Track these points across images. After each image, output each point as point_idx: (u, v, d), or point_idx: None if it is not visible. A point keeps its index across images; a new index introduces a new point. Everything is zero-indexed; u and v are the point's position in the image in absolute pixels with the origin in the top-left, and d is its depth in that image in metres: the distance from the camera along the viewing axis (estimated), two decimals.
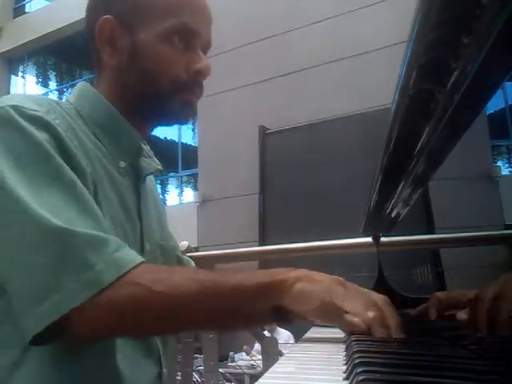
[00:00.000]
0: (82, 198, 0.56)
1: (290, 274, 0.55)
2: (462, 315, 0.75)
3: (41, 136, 0.56)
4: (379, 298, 0.56)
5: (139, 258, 0.54)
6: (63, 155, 0.57)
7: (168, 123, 0.77)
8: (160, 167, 0.77)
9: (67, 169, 0.56)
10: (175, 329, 0.59)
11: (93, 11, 0.70)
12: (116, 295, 0.51)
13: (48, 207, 0.52)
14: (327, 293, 0.54)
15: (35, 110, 0.58)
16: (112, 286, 0.51)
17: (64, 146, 0.58)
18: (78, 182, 0.56)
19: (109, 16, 0.67)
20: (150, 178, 0.81)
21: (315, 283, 0.54)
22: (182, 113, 0.72)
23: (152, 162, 0.76)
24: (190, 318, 0.56)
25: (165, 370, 0.73)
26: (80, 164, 0.59)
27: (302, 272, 0.56)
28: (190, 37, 0.68)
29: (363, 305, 0.54)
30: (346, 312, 0.53)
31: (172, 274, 0.55)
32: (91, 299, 0.50)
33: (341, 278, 0.57)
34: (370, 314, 0.53)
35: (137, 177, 0.73)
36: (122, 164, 0.69)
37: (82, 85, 0.74)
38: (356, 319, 0.52)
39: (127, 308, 0.53)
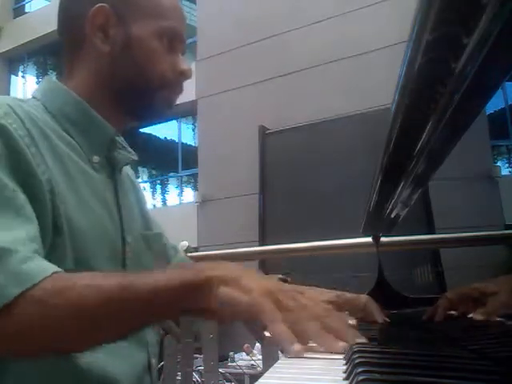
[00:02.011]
0: (5, 205, 0.52)
1: (215, 272, 0.50)
2: (478, 316, 0.71)
3: None
4: (319, 309, 0.50)
5: (49, 269, 0.49)
6: (11, 162, 0.55)
7: (146, 117, 0.78)
8: (135, 157, 0.78)
9: (2, 178, 0.53)
10: (88, 344, 0.51)
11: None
12: (17, 313, 0.46)
13: None
14: (253, 309, 0.48)
15: None
16: (17, 302, 0.46)
17: (15, 153, 0.56)
18: (12, 190, 0.53)
19: (105, 5, 0.69)
20: (128, 168, 0.82)
21: (244, 291, 0.48)
22: (162, 108, 0.75)
23: (127, 153, 0.77)
24: (101, 330, 0.50)
25: (154, 360, 0.72)
26: (32, 170, 0.57)
27: (229, 272, 0.50)
28: (176, 40, 0.73)
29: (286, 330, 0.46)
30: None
31: (77, 283, 0.49)
32: None
33: (275, 285, 0.51)
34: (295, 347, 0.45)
35: (112, 169, 0.73)
36: (96, 159, 0.69)
37: (47, 80, 0.74)
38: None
39: (28, 328, 0.47)
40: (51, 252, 0.58)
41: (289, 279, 0.83)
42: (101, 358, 0.59)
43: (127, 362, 0.65)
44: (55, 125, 0.66)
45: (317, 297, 0.56)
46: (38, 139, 0.60)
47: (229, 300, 0.48)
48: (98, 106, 0.70)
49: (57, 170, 0.61)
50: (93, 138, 0.70)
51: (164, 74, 0.71)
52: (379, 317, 0.75)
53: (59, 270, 0.50)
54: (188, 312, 0.53)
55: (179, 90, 0.75)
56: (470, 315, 0.73)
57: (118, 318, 0.50)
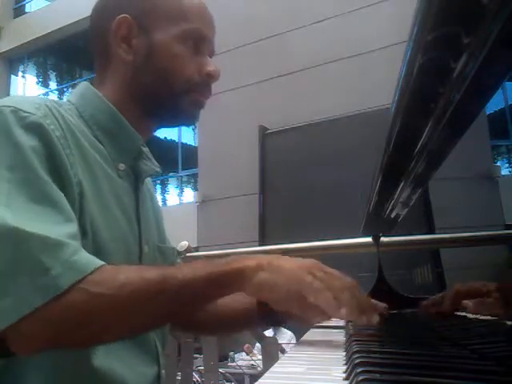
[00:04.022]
0: (51, 203, 0.54)
1: (249, 262, 0.54)
2: (468, 306, 0.73)
3: (29, 142, 0.55)
4: (350, 283, 0.55)
5: (98, 262, 0.52)
6: (50, 163, 0.56)
7: (176, 123, 0.80)
8: (159, 169, 0.78)
9: (45, 177, 0.55)
10: (132, 331, 0.57)
11: (108, 9, 0.72)
12: (72, 301, 0.48)
13: (10, 209, 0.51)
14: (294, 283, 0.52)
15: (32, 114, 0.58)
16: (69, 291, 0.48)
17: (53, 154, 0.57)
18: (55, 189, 0.55)
19: (127, 15, 0.70)
20: (148, 180, 0.82)
21: (279, 272, 0.53)
22: (192, 113, 0.74)
23: (151, 165, 0.77)
24: (144, 318, 0.54)
25: (163, 372, 0.73)
26: (67, 172, 0.58)
27: (263, 259, 0.54)
28: (201, 42, 0.72)
29: (332, 298, 0.52)
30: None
31: (119, 274, 0.52)
32: (45, 305, 0.47)
33: (310, 262, 0.55)
34: (343, 311, 0.51)
35: (136, 179, 0.73)
36: (122, 166, 0.70)
37: (83, 85, 0.75)
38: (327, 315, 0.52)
39: (78, 315, 0.50)
40: None
41: None
42: (116, 368, 0.60)
43: (140, 373, 0.66)
44: (86, 129, 0.67)
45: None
46: (71, 142, 0.61)
47: (267, 283, 0.52)
48: (127, 114, 0.71)
49: (85, 173, 0.62)
50: (121, 146, 0.70)
51: (190, 78, 0.71)
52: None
53: (104, 263, 0.53)
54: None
55: (208, 92, 0.74)
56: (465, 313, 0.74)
57: (156, 306, 0.53)
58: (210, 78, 0.73)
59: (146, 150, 0.77)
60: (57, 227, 0.52)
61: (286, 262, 0.54)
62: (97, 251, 0.60)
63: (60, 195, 0.55)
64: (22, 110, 0.57)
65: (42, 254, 0.49)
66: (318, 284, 0.52)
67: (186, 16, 0.71)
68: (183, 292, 0.53)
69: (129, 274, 0.52)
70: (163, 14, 0.70)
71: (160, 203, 0.96)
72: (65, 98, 0.74)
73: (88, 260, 0.51)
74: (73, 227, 0.55)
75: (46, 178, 0.55)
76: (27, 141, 0.55)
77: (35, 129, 0.57)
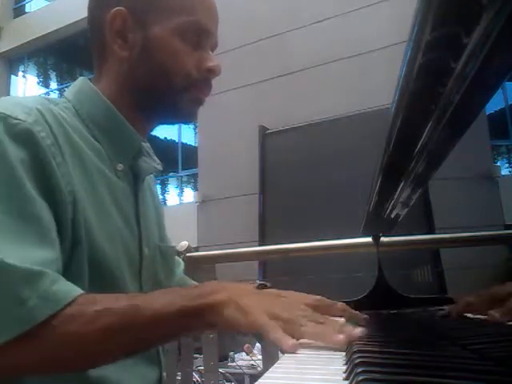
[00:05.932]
0: (35, 223, 0.52)
1: (219, 296, 0.52)
2: (493, 315, 0.69)
3: (17, 154, 0.53)
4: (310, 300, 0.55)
5: (75, 291, 0.51)
6: (39, 175, 0.54)
7: (174, 120, 0.76)
8: (160, 167, 0.76)
9: (31, 193, 0.53)
10: (96, 363, 0.55)
11: (103, 2, 0.69)
12: (44, 336, 0.47)
13: None
14: (254, 326, 0.50)
15: (22, 121, 0.55)
16: (44, 324, 0.47)
17: (42, 165, 0.55)
18: (40, 208, 0.53)
19: (121, 8, 0.66)
20: (150, 176, 0.80)
21: (242, 312, 0.50)
22: (190, 110, 0.71)
23: (152, 162, 0.75)
24: (113, 351, 0.53)
25: (164, 374, 0.72)
26: (58, 183, 0.56)
27: (232, 291, 0.52)
28: (202, 35, 0.68)
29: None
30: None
31: (90, 308, 0.50)
32: (21, 338, 0.46)
33: (271, 295, 0.56)
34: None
35: (135, 178, 0.71)
36: (120, 167, 0.68)
37: (80, 80, 0.72)
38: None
39: (52, 351, 0.49)
40: (69, 263, 0.57)
41: (268, 285, 0.81)
42: (114, 374, 0.59)
43: (141, 378, 0.65)
44: (83, 129, 0.65)
45: (301, 299, 0.57)
46: (63, 146, 0.59)
47: (231, 321, 0.51)
48: (124, 112, 0.68)
49: (80, 177, 0.60)
50: (120, 146, 0.68)
51: (189, 73, 0.68)
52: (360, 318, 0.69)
53: (82, 292, 0.51)
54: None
55: (207, 88, 0.71)
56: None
57: (123, 341, 0.52)
58: (211, 73, 0.70)
59: (146, 145, 0.75)
60: (37, 252, 0.50)
61: (250, 301, 0.52)
62: (94, 258, 0.59)
63: (45, 214, 0.53)
64: (11, 117, 0.55)
65: (19, 285, 0.47)
66: (274, 327, 0.49)
67: (186, 7, 0.67)
68: (154, 327, 0.51)
69: (98, 307, 0.50)
70: (161, 5, 0.67)
71: None
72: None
73: (66, 290, 0.50)
74: (54, 250, 0.53)
75: (33, 195, 0.53)
76: (16, 152, 0.53)
77: (24, 138, 0.55)
